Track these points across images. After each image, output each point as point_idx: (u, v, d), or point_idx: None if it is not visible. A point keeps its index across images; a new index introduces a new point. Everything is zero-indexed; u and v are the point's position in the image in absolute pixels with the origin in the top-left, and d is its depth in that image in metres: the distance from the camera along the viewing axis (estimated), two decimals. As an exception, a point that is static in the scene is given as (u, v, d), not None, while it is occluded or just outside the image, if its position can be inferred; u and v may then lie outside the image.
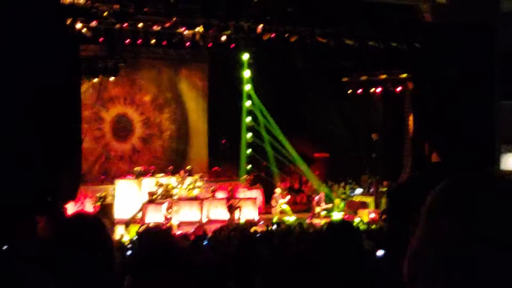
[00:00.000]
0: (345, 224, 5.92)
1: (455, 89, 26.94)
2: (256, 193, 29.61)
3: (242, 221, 25.66)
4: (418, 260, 1.49)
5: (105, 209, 24.41)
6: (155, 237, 3.47)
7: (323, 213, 27.63)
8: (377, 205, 28.85)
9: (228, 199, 26.80)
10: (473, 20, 25.77)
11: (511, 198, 1.43)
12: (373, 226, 23.06)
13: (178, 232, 22.84)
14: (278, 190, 28.71)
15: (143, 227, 19.55)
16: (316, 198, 28.29)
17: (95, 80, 27.96)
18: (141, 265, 3.33)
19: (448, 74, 27.04)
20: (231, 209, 26.11)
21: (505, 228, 1.38)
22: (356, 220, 25.42)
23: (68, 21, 23.70)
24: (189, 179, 27.57)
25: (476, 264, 1.34)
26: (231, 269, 8.69)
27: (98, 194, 25.87)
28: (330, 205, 28.25)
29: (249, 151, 32.59)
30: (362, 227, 21.71)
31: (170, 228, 21.62)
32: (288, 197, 29.17)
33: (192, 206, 26.68)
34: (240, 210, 26.41)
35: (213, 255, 15.62)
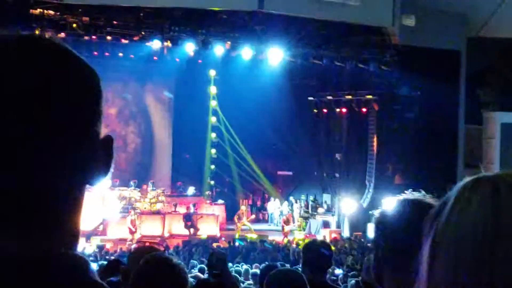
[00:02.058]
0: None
1: (420, 111, 27.29)
2: (218, 209, 29.58)
3: (204, 236, 25.65)
4: None
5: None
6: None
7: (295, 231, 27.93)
8: (338, 225, 29.00)
9: (185, 215, 26.54)
10: (439, 44, 26.16)
11: None
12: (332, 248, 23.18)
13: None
14: (243, 207, 28.73)
15: (135, 246, 19.28)
16: (284, 218, 28.37)
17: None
18: None
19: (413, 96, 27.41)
20: (188, 225, 26.00)
21: None
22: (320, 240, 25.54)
23: (37, 32, 23.57)
24: (152, 193, 27.49)
25: None
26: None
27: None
28: (297, 223, 28.48)
29: (212, 166, 32.62)
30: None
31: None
32: (253, 216, 29.25)
33: (154, 220, 26.59)
34: (195, 226, 26.36)
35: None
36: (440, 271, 1.21)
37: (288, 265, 14.99)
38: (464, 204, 1.22)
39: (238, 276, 11.85)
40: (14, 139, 1.10)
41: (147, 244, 17.59)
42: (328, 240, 25.85)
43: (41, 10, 23.14)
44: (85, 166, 1.19)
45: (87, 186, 1.23)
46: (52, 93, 1.13)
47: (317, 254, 5.45)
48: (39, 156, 1.12)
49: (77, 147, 1.17)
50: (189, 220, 26.17)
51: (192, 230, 25.95)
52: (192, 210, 27.02)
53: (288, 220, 28.14)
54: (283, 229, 27.85)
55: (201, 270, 12.48)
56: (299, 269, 6.56)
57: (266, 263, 13.97)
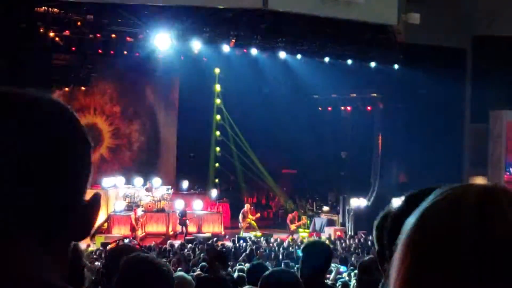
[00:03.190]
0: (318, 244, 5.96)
1: (425, 110, 27.22)
2: (223, 207, 29.57)
3: (207, 235, 25.65)
4: None
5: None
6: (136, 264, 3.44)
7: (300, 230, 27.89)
8: (343, 223, 28.96)
9: (181, 213, 26.45)
10: (445, 42, 26.11)
11: None
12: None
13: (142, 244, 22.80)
14: (247, 206, 28.70)
15: (112, 245, 19.29)
16: (290, 216, 28.34)
17: (66, 89, 27.78)
18: None
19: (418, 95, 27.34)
20: (182, 223, 25.94)
21: None
22: (323, 237, 25.52)
23: (41, 30, 23.58)
24: (156, 191, 27.46)
25: None
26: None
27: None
28: (302, 222, 28.43)
29: (217, 165, 32.59)
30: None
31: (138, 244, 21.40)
32: (258, 214, 29.21)
33: (159, 218, 26.58)
34: (197, 224, 26.31)
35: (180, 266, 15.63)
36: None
37: (292, 264, 15.00)
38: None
39: (243, 275, 11.80)
40: None
41: (121, 243, 17.57)
42: (332, 238, 25.85)
43: (46, 8, 23.14)
44: (66, 229, 1.18)
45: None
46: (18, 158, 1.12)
47: (315, 254, 5.41)
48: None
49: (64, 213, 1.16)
50: (183, 216, 26.07)
51: (184, 228, 25.86)
52: (187, 207, 26.86)
53: (294, 219, 28.11)
54: (288, 227, 27.83)
55: (203, 268, 12.44)
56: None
57: (254, 262, 14.02)
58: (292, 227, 27.67)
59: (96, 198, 1.22)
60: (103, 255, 19.62)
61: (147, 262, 3.41)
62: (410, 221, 1.18)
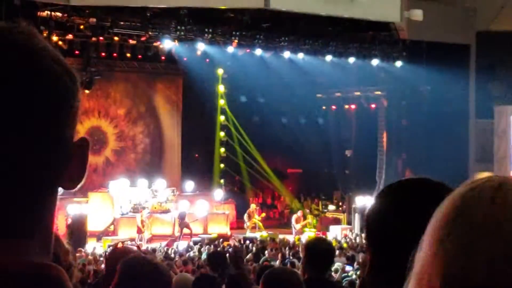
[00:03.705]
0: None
1: (429, 106, 27.18)
2: (229, 208, 29.55)
3: (214, 235, 25.63)
4: None
5: (78, 221, 24.20)
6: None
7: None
8: (349, 222, 28.92)
9: (180, 216, 26.28)
10: (448, 38, 26.06)
11: None
12: (345, 245, 23.19)
13: (149, 246, 22.81)
14: (253, 206, 28.68)
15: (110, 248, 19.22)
16: (296, 216, 28.28)
17: (70, 92, 27.74)
18: None
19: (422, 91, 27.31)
20: (183, 226, 25.83)
21: None
22: (329, 236, 25.49)
23: (44, 34, 23.60)
24: (162, 193, 27.45)
25: None
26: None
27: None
28: (308, 221, 28.39)
29: (222, 165, 32.59)
30: (334, 243, 21.74)
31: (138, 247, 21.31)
32: (263, 214, 29.18)
33: (164, 220, 26.58)
34: (189, 227, 26.20)
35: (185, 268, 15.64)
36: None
37: (299, 263, 14.97)
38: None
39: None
40: None
41: (120, 245, 17.56)
42: (339, 237, 25.82)
43: (49, 12, 23.21)
44: (53, 170, 1.10)
45: (61, 189, 1.17)
46: (13, 93, 1.05)
47: (318, 252, 5.40)
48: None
49: (42, 150, 1.09)
50: (182, 219, 25.96)
51: (183, 230, 25.74)
52: (185, 209, 26.74)
53: (300, 218, 28.06)
54: (294, 227, 27.79)
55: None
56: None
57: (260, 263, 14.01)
58: (298, 226, 27.62)
59: (83, 138, 1.17)
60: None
61: (144, 263, 3.41)
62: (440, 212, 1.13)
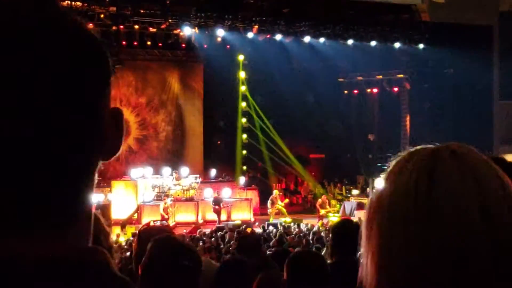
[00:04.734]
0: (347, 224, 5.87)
1: (453, 89, 26.98)
2: (252, 194, 29.53)
3: (237, 222, 25.61)
4: None
5: (102, 210, 24.32)
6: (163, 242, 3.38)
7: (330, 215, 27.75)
8: (373, 206, 28.79)
9: (215, 201, 26.38)
10: (471, 19, 25.81)
11: None
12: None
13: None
14: (275, 192, 28.64)
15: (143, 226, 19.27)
16: (319, 201, 28.22)
17: (91, 81, 27.84)
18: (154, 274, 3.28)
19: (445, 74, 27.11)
20: (217, 211, 25.90)
21: None
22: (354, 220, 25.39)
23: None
24: (185, 180, 27.49)
25: None
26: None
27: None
28: (334, 208, 28.38)
29: (244, 152, 32.57)
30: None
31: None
32: (287, 200, 29.12)
33: (188, 207, 26.62)
34: (227, 212, 26.29)
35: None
36: (374, 256, 1.14)
37: (323, 249, 14.91)
38: (396, 175, 1.13)
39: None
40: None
41: (154, 224, 17.59)
42: (363, 221, 25.71)
43: (69, 2, 23.26)
44: (93, 140, 1.06)
45: (100, 162, 1.11)
46: (46, 60, 0.99)
47: (344, 234, 5.34)
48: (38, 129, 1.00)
49: (80, 120, 1.04)
50: (217, 204, 26.05)
51: (221, 216, 25.86)
52: (221, 194, 26.89)
53: (324, 203, 27.99)
54: (318, 212, 27.73)
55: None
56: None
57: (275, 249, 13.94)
58: (322, 211, 27.56)
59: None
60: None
61: (177, 244, 3.37)
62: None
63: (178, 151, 31.79)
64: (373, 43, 27.65)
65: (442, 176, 1.10)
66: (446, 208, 1.07)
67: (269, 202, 27.85)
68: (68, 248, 1.02)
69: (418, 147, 1.20)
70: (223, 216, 26.41)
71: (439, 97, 27.54)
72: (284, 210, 27.81)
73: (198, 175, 28.70)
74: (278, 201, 27.88)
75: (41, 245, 0.99)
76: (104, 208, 24.44)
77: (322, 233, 21.36)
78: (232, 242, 18.28)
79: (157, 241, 3.36)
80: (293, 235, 20.87)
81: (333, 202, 29.74)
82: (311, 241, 19.70)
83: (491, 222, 1.06)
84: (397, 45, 27.56)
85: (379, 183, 1.19)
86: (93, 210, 1.12)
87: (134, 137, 30.73)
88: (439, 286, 1.07)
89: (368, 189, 30.03)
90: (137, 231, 4.88)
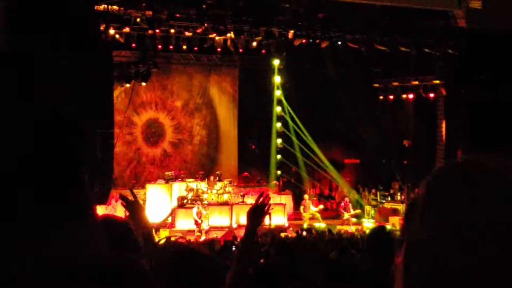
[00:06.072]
0: (382, 232, 5.85)
1: (489, 95, 26.70)
2: (286, 199, 29.51)
3: (271, 226, 25.64)
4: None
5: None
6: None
7: (353, 219, 27.54)
8: (408, 212, 28.59)
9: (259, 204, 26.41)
10: (509, 25, 25.52)
11: None
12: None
13: (207, 237, 22.94)
14: (306, 196, 28.60)
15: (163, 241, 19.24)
16: (342, 204, 28.14)
17: (127, 85, 28.07)
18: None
19: (481, 80, 26.82)
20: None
21: None
22: (388, 227, 25.23)
23: (102, 27, 23.91)
24: (219, 184, 27.57)
25: None
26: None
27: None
28: (358, 211, 28.17)
29: (279, 156, 32.56)
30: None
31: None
32: (321, 206, 29.05)
33: (222, 211, 26.67)
34: (270, 215, 26.32)
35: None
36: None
37: (357, 254, 14.83)
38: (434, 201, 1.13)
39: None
40: None
41: (174, 239, 17.60)
42: (398, 227, 25.57)
43: (105, 6, 23.50)
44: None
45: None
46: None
47: (377, 241, 5.32)
48: None
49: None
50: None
51: (265, 220, 25.90)
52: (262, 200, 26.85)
53: (346, 207, 27.85)
54: (342, 216, 27.64)
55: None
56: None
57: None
58: (346, 215, 27.44)
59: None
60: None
61: (193, 256, 3.41)
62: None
63: (213, 155, 31.88)
64: (409, 48, 27.51)
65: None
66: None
67: (301, 207, 27.88)
68: (98, 257, 1.03)
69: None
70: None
71: (475, 104, 27.28)
72: (318, 215, 27.77)
73: (232, 179, 28.78)
74: (310, 206, 27.85)
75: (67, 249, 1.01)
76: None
77: (356, 239, 21.29)
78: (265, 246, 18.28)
79: (174, 257, 3.40)
80: (326, 240, 20.83)
81: (368, 208, 29.63)
82: (345, 247, 19.65)
83: None
84: (433, 51, 27.39)
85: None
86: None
87: (169, 140, 30.87)
88: None
89: (402, 195, 29.86)
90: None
